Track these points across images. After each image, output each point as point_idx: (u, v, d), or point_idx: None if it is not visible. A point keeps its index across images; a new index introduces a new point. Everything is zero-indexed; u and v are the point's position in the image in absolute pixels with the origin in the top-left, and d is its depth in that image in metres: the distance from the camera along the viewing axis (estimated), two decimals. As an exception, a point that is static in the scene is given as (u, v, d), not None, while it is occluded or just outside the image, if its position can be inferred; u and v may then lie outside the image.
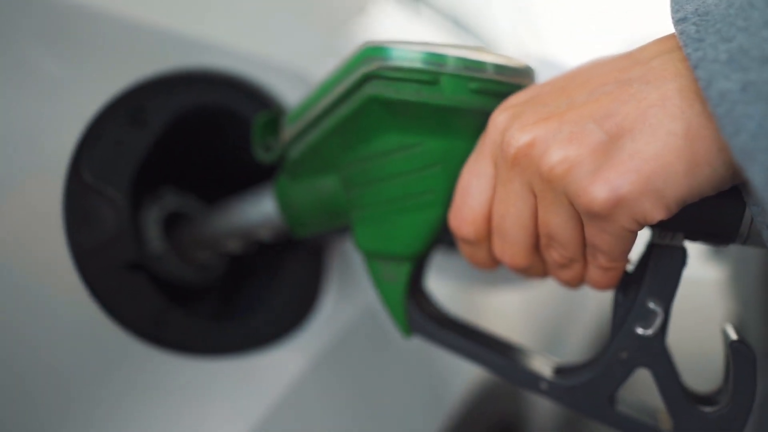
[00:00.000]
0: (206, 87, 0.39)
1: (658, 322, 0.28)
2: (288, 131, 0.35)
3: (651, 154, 0.22)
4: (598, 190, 0.23)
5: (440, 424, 0.56)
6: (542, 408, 1.00)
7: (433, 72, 0.28)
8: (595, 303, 1.43)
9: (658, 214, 0.23)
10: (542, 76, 0.37)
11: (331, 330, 0.45)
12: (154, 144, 0.36)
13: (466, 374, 0.65)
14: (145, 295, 0.34)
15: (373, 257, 0.34)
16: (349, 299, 0.48)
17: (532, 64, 0.33)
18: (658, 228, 0.27)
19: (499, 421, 0.75)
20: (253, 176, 0.45)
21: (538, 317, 1.00)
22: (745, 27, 0.21)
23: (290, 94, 0.44)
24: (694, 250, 0.34)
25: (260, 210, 0.38)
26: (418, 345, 0.55)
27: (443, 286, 0.59)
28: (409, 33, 0.77)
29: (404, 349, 0.53)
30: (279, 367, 0.40)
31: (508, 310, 0.85)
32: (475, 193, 0.28)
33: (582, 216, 0.25)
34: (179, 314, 0.36)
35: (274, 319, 0.42)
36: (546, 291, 1.03)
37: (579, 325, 1.15)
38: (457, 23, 1.12)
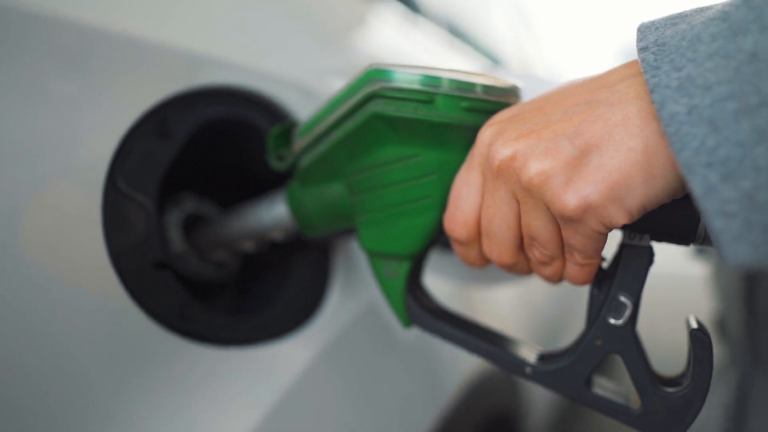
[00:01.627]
0: (223, 101, 0.42)
1: (627, 313, 0.31)
2: (299, 143, 0.39)
3: (614, 166, 0.26)
4: (570, 198, 0.26)
5: (438, 412, 0.60)
6: (536, 400, 1.04)
7: (429, 92, 0.32)
8: (576, 301, 1.47)
9: (621, 219, 0.26)
10: (530, 90, 0.41)
11: (337, 323, 0.49)
12: (177, 154, 0.39)
13: (463, 367, 0.69)
14: (171, 291, 0.37)
15: (376, 256, 0.37)
16: (353, 295, 0.52)
17: (520, 80, 0.37)
18: (626, 230, 0.31)
19: (495, 411, 0.78)
20: (266, 183, 0.48)
21: (524, 311, 1.04)
22: (693, 58, 0.24)
23: (299, 106, 0.48)
24: (683, 249, 0.38)
25: (273, 213, 0.42)
26: (418, 339, 0.59)
27: (439, 282, 0.63)
28: (405, 43, 0.80)
29: (404, 342, 0.57)
30: (289, 357, 0.44)
31: (497, 304, 0.89)
32: (466, 199, 0.32)
33: (558, 219, 0.28)
34: (201, 308, 0.39)
35: (284, 313, 0.45)
36: (531, 289, 1.07)
37: (561, 319, 1.19)
38: (454, 32, 1.15)
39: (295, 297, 0.47)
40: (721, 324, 0.64)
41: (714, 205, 0.22)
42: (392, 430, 0.52)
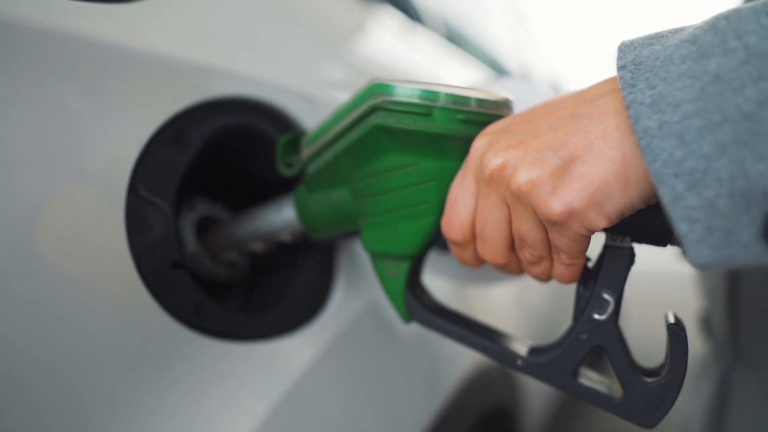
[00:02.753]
0: (233, 111, 0.45)
1: (610, 309, 0.34)
2: (306, 151, 0.41)
3: (595, 176, 0.28)
4: (555, 204, 0.29)
5: (438, 405, 0.62)
6: (532, 396, 1.06)
7: (428, 106, 0.34)
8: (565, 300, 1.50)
9: (601, 223, 0.29)
10: (525, 99, 0.43)
11: (341, 320, 0.51)
12: (192, 161, 0.42)
13: (460, 363, 0.71)
14: (187, 289, 0.40)
15: (378, 257, 0.40)
16: (356, 294, 0.54)
17: (513, 88, 0.39)
18: (608, 233, 0.34)
19: (492, 406, 0.81)
20: (272, 187, 0.51)
21: (517, 308, 1.06)
22: (665, 77, 0.27)
23: (304, 114, 0.50)
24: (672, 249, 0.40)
25: (282, 216, 0.44)
26: (417, 336, 0.62)
27: (437, 281, 0.65)
28: (406, 51, 0.83)
29: (404, 338, 0.59)
30: (297, 351, 0.46)
31: (491, 301, 0.92)
32: (462, 204, 0.35)
33: (545, 223, 0.31)
34: (214, 306, 0.42)
35: (292, 310, 0.48)
36: (524, 288, 1.10)
37: (552, 316, 1.22)
38: (453, 38, 1.17)
39: (302, 295, 0.49)
40: (706, 321, 0.66)
41: (680, 212, 0.25)
42: (394, 422, 0.54)
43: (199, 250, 0.46)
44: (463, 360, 0.72)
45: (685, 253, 0.26)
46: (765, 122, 0.24)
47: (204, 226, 0.48)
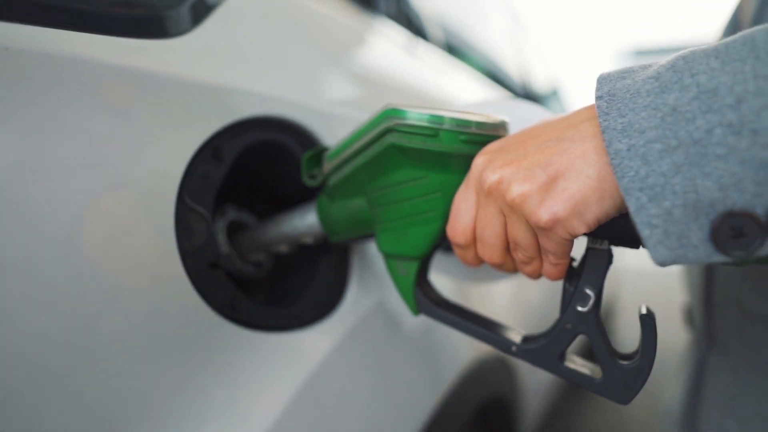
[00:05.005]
0: (261, 128, 0.51)
1: (591, 302, 0.39)
2: (328, 165, 0.47)
3: (576, 190, 0.34)
4: (543, 213, 0.34)
5: (442, 393, 0.68)
6: (529, 387, 1.12)
7: (435, 128, 0.40)
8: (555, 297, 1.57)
9: (582, 229, 0.34)
10: (518, 113, 0.49)
11: (355, 315, 0.57)
12: (227, 173, 0.48)
13: (462, 356, 0.77)
14: (223, 285, 0.46)
15: (390, 257, 0.46)
16: (367, 291, 0.60)
17: (509, 109, 0.45)
18: (589, 237, 0.39)
19: (491, 395, 0.87)
20: (293, 194, 0.57)
21: (513, 303, 1.12)
22: (633, 108, 0.32)
23: (322, 129, 0.56)
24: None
25: (306, 222, 0.50)
26: (422, 330, 0.67)
27: (442, 279, 0.71)
28: (413, 68, 0.88)
29: (410, 331, 0.65)
30: (316, 341, 0.52)
31: (490, 296, 0.98)
32: (464, 212, 0.40)
33: (534, 229, 0.37)
34: (246, 300, 0.48)
35: (312, 305, 0.54)
36: (516, 285, 1.16)
37: (544, 310, 1.29)
38: (454, 51, 1.22)
39: (320, 292, 0.55)
40: (689, 314, 0.72)
41: (643, 219, 0.30)
42: (401, 407, 0.60)
43: (230, 252, 0.52)
44: (464, 353, 0.77)
45: (648, 253, 0.31)
46: (711, 147, 0.28)
47: (233, 230, 0.54)
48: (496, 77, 1.60)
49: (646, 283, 3.73)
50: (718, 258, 0.30)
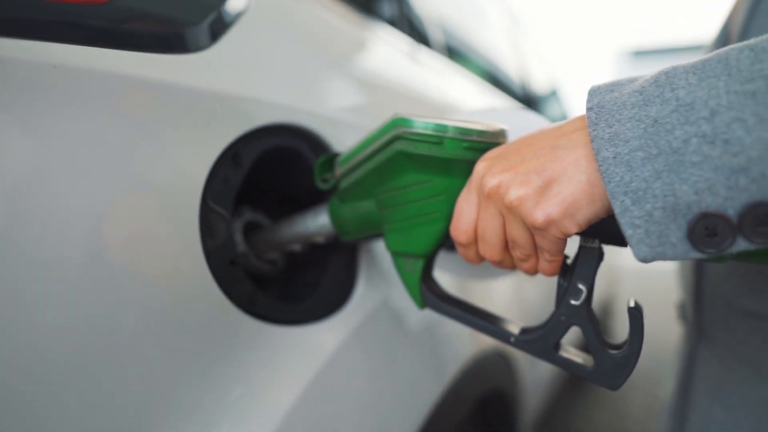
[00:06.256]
0: (276, 135, 0.54)
1: (583, 296, 0.42)
2: (339, 169, 0.50)
3: (568, 194, 0.37)
4: (538, 215, 0.38)
5: (443, 384, 0.71)
6: (528, 381, 1.15)
7: (439, 136, 0.43)
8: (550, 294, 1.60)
9: (573, 229, 0.38)
10: (516, 121, 0.52)
11: (363, 310, 0.60)
12: (245, 177, 0.51)
13: (463, 351, 0.80)
14: (242, 281, 0.49)
15: (398, 255, 0.49)
16: (374, 288, 0.63)
17: (507, 117, 0.48)
18: (581, 236, 0.42)
19: (492, 388, 0.90)
20: (303, 196, 0.60)
21: (510, 297, 1.15)
22: (619, 119, 0.35)
23: (331, 134, 0.60)
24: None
25: (318, 222, 0.54)
26: (425, 325, 0.70)
27: (446, 275, 0.74)
28: (416, 74, 0.92)
29: (415, 326, 0.68)
30: (327, 335, 0.55)
31: (490, 291, 1.01)
32: (466, 214, 0.43)
33: (531, 229, 0.40)
34: (262, 295, 0.51)
35: (323, 301, 0.57)
36: (515, 282, 1.19)
37: (540, 305, 1.32)
38: (453, 54, 1.25)
39: (331, 288, 0.59)
40: (682, 308, 0.76)
41: (627, 220, 0.33)
42: (406, 398, 0.63)
43: (246, 250, 0.55)
44: (465, 348, 0.81)
45: (631, 250, 0.35)
46: (688, 155, 0.31)
47: (248, 230, 0.58)
48: (497, 80, 1.63)
49: (644, 283, 3.77)
50: (695, 255, 0.33)
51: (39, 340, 0.34)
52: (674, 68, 0.35)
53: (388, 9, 0.97)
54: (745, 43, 0.33)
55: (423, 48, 1.05)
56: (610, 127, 0.35)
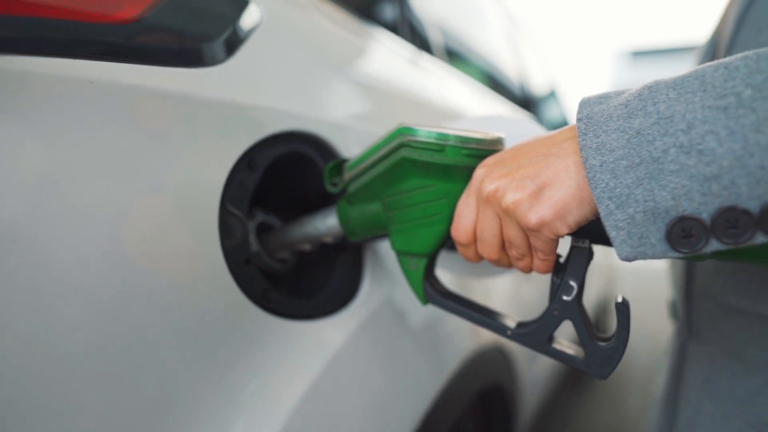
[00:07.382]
0: (288, 141, 0.57)
1: (575, 292, 0.45)
2: (348, 174, 0.54)
3: (559, 198, 0.40)
4: (532, 217, 0.41)
5: (444, 378, 0.74)
6: (526, 376, 1.18)
7: (441, 144, 0.47)
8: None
9: (564, 230, 0.41)
10: (513, 129, 0.56)
11: (368, 307, 0.63)
12: (259, 181, 0.54)
13: (463, 346, 0.83)
14: (256, 279, 0.53)
15: (402, 254, 0.52)
16: (379, 286, 0.67)
17: (505, 126, 0.52)
18: (572, 236, 0.46)
19: (490, 382, 0.93)
20: (312, 199, 0.64)
21: (506, 294, 1.19)
22: (606, 130, 0.38)
23: (338, 140, 0.63)
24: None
25: (327, 224, 0.57)
26: (427, 322, 0.73)
27: (447, 273, 0.77)
28: (417, 81, 0.95)
29: (417, 322, 0.71)
30: (335, 330, 0.59)
31: (488, 288, 1.04)
32: (466, 216, 0.47)
33: (525, 230, 0.43)
34: (275, 292, 0.54)
35: (330, 297, 0.61)
36: (512, 281, 1.22)
37: (535, 301, 1.36)
38: (452, 56, 1.28)
39: (338, 285, 0.62)
40: (674, 306, 0.79)
41: (611, 222, 0.36)
42: (408, 391, 0.66)
43: (259, 250, 0.59)
44: (465, 344, 0.84)
45: (615, 250, 0.38)
46: (666, 164, 0.34)
47: (260, 231, 0.61)
48: (496, 82, 1.66)
49: (643, 283, 3.81)
50: (672, 255, 0.36)
51: (62, 337, 0.36)
52: (656, 83, 0.37)
53: (390, 14, 1.00)
54: (720, 61, 0.36)
55: (424, 54, 1.08)
56: (598, 137, 0.37)
